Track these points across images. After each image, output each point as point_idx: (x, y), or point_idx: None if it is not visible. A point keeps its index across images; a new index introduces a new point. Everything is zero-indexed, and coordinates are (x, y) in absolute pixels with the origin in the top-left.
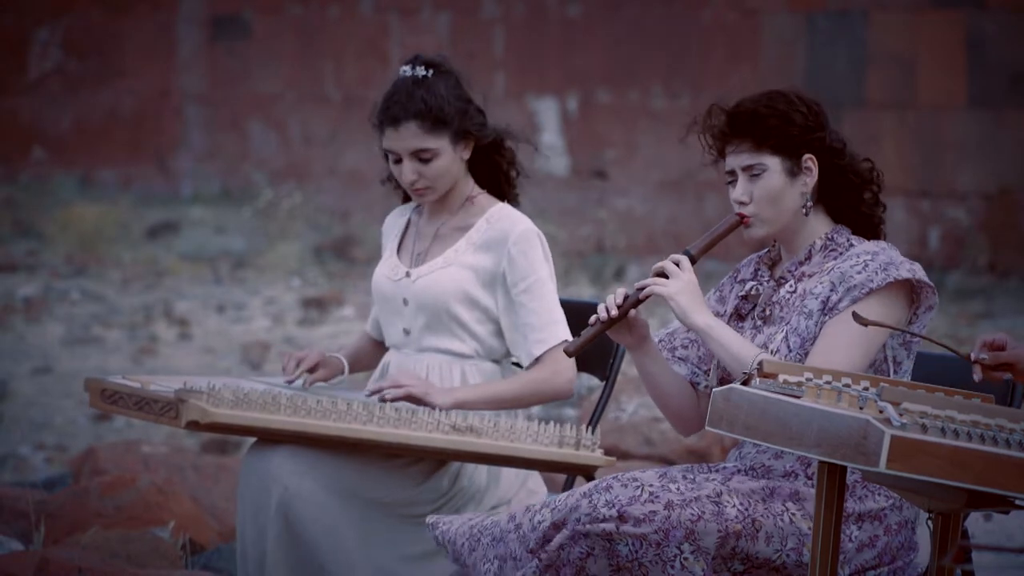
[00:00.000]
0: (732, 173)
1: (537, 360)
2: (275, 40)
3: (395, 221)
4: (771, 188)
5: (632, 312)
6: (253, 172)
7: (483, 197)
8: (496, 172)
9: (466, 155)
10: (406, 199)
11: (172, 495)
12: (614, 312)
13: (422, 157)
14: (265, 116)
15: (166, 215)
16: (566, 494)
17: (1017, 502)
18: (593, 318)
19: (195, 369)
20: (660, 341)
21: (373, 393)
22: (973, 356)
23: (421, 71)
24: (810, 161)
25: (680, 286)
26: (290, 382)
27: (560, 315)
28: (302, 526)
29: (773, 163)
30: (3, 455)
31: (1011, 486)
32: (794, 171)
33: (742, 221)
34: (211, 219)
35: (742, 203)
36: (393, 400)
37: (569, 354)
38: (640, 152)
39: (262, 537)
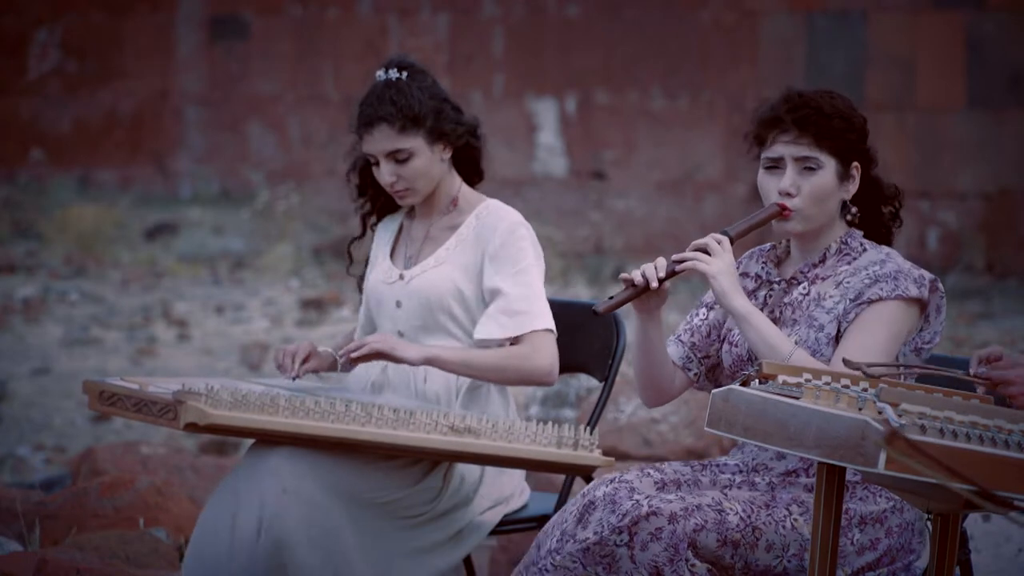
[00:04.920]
0: (778, 160)
1: (518, 340)
2: (274, 41)
3: (387, 226)
4: (823, 187)
5: (665, 284)
6: (252, 173)
7: (470, 194)
8: (472, 158)
9: (446, 155)
10: (364, 218)
11: (171, 496)
12: (654, 284)
13: (398, 158)
14: (264, 117)
15: (165, 216)
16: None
17: (1016, 503)
18: (626, 281)
19: (194, 370)
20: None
21: (343, 356)
22: (972, 372)
23: (395, 73)
24: (856, 170)
25: (722, 266)
26: (294, 378)
27: (545, 304)
28: (301, 527)
29: (829, 163)
30: (2, 456)
31: (1010, 487)
32: (843, 176)
33: (782, 213)
34: (210, 220)
35: (788, 194)
36: (361, 358)
37: (598, 313)
38: (639, 153)
39: (254, 539)
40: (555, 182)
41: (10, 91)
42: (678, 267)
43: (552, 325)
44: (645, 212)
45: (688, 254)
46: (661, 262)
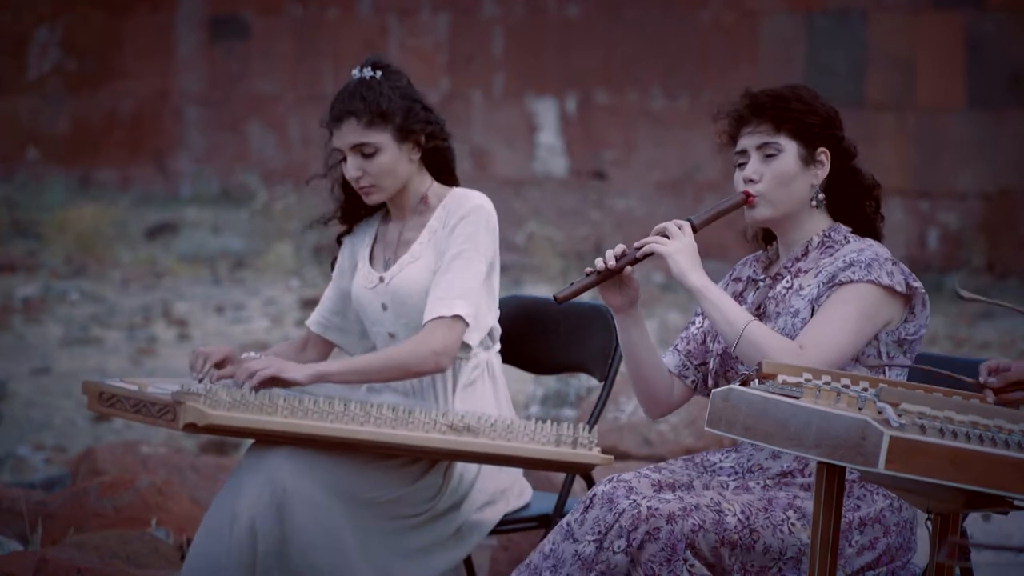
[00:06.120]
0: (744, 153)
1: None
2: (274, 41)
3: (361, 234)
4: (784, 170)
5: (628, 270)
6: (252, 173)
7: (440, 189)
8: (443, 159)
9: (415, 155)
10: (339, 239)
11: (171, 496)
12: (611, 263)
13: (364, 152)
14: (264, 117)
15: (165, 216)
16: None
17: (1016, 503)
18: (588, 269)
19: None
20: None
21: (242, 383)
22: (981, 380)
23: (368, 72)
24: (823, 155)
25: (679, 246)
26: (200, 380)
27: (470, 287)
28: (301, 527)
29: (789, 146)
30: (2, 455)
31: (1009, 487)
32: (808, 160)
33: (747, 200)
34: (210, 220)
35: (751, 181)
36: (255, 387)
37: (558, 301)
38: (639, 153)
39: (253, 539)
40: (555, 182)
41: (10, 91)
42: (638, 253)
43: (465, 311)
44: (645, 212)
45: (648, 238)
46: (620, 247)
